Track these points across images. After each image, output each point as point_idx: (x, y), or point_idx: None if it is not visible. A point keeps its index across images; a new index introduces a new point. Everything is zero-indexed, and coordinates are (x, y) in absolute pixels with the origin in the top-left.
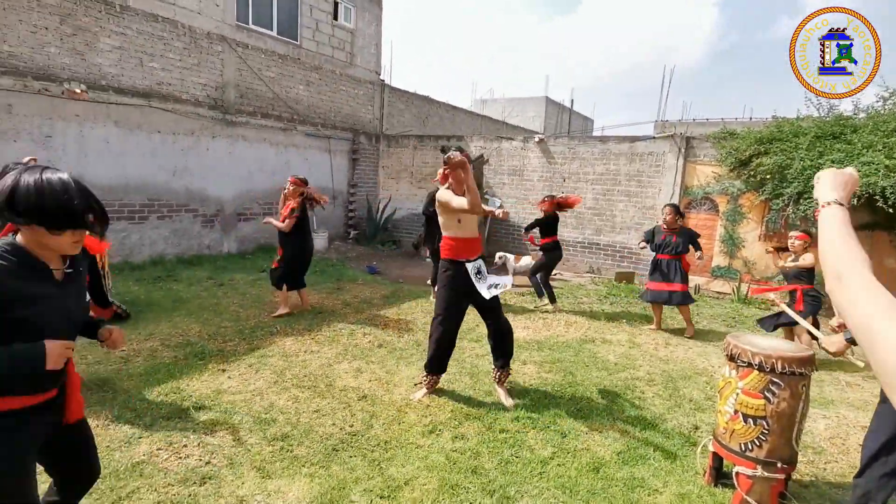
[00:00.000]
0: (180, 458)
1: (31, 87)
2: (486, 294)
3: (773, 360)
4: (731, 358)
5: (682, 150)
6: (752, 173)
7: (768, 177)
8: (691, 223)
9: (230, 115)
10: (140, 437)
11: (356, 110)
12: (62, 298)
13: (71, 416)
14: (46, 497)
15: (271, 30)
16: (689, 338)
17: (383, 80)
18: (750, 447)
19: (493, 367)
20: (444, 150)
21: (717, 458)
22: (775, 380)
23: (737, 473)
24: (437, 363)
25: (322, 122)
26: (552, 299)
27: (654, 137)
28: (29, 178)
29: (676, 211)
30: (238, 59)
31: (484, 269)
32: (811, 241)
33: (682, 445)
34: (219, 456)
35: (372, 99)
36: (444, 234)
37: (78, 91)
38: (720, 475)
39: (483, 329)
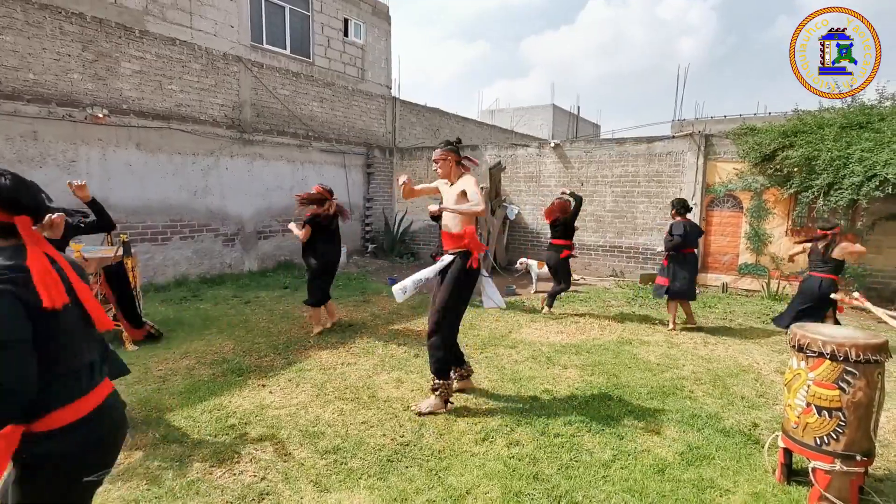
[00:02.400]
0: (234, 474)
1: (56, 114)
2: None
3: (847, 349)
4: (799, 349)
5: (702, 149)
6: (777, 167)
7: (795, 170)
8: (715, 221)
9: (247, 134)
10: (190, 455)
11: (369, 125)
12: None
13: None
14: None
15: (284, 48)
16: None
17: (395, 95)
18: (826, 441)
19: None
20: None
21: (788, 455)
22: (850, 369)
23: (814, 469)
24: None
25: (336, 137)
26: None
27: (672, 137)
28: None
29: (672, 206)
30: (253, 78)
31: (450, 262)
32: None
33: (744, 444)
34: (273, 471)
35: (384, 113)
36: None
37: (100, 116)
38: (791, 472)
39: (517, 335)
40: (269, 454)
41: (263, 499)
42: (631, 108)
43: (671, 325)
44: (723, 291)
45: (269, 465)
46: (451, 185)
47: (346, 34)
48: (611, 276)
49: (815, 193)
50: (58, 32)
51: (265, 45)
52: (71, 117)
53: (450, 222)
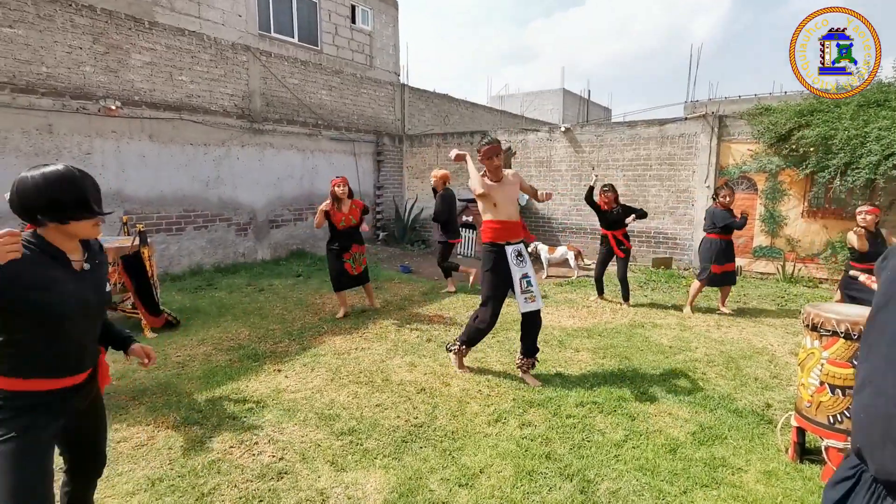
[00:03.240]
0: (253, 454)
1: (70, 107)
2: (517, 284)
3: (861, 327)
4: (813, 328)
5: (715, 130)
6: (792, 148)
7: (811, 150)
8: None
9: (257, 124)
10: (211, 437)
11: (378, 112)
12: (80, 287)
13: (102, 383)
14: (62, 488)
15: (292, 37)
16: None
17: (403, 82)
18: (839, 419)
19: (518, 355)
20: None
21: (801, 434)
22: None
23: (827, 447)
24: (475, 341)
25: (346, 125)
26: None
27: (684, 119)
28: (35, 174)
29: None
30: (262, 67)
31: (525, 253)
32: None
33: (757, 424)
34: (290, 452)
35: (393, 100)
36: (483, 218)
37: (113, 108)
38: (804, 451)
39: None
40: (287, 436)
41: (282, 477)
42: (642, 91)
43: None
44: (737, 275)
45: (286, 446)
46: (500, 180)
47: (353, 21)
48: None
49: (832, 173)
50: (69, 25)
51: (273, 34)
52: (85, 110)
53: (515, 213)
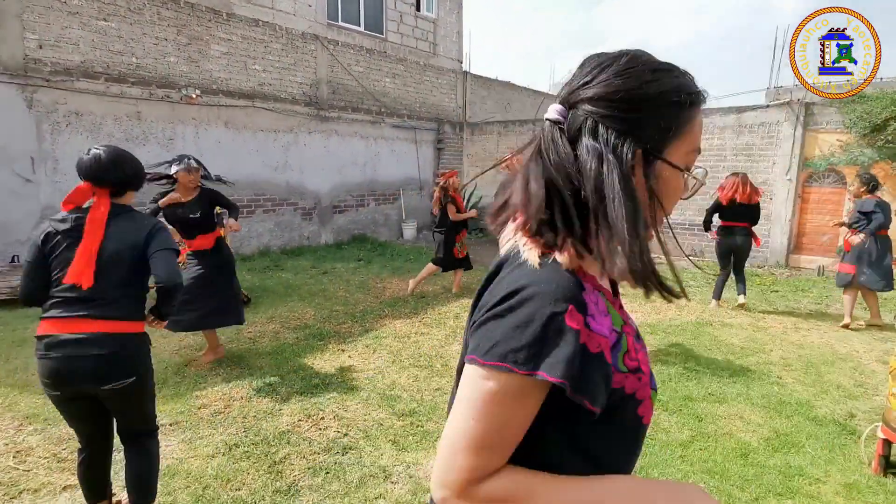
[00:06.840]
0: (320, 429)
1: (156, 95)
2: None
3: None
4: None
5: (801, 118)
6: (888, 139)
7: None
8: (813, 198)
9: (324, 111)
10: (280, 410)
11: (440, 100)
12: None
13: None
14: None
15: (359, 25)
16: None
17: (465, 69)
18: None
19: None
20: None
21: (887, 446)
22: None
23: None
24: None
25: (408, 113)
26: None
27: (766, 106)
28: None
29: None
30: (329, 56)
31: None
32: None
33: (838, 433)
34: (354, 429)
35: (455, 88)
36: None
37: (193, 96)
38: (889, 464)
39: None
40: (351, 413)
41: (347, 452)
42: (718, 76)
43: (847, 319)
44: (818, 275)
45: (350, 423)
46: None
47: (417, 9)
48: (689, 255)
49: None
50: (156, 18)
51: (340, 23)
52: (169, 98)
53: None
